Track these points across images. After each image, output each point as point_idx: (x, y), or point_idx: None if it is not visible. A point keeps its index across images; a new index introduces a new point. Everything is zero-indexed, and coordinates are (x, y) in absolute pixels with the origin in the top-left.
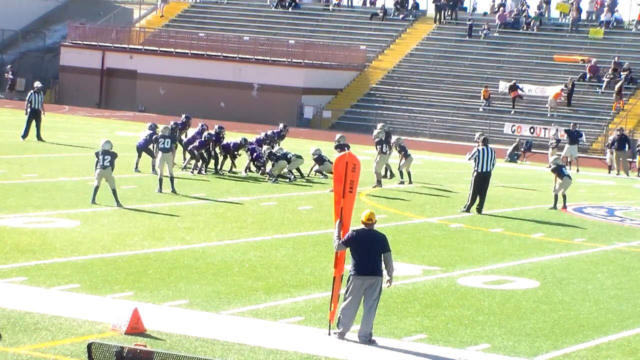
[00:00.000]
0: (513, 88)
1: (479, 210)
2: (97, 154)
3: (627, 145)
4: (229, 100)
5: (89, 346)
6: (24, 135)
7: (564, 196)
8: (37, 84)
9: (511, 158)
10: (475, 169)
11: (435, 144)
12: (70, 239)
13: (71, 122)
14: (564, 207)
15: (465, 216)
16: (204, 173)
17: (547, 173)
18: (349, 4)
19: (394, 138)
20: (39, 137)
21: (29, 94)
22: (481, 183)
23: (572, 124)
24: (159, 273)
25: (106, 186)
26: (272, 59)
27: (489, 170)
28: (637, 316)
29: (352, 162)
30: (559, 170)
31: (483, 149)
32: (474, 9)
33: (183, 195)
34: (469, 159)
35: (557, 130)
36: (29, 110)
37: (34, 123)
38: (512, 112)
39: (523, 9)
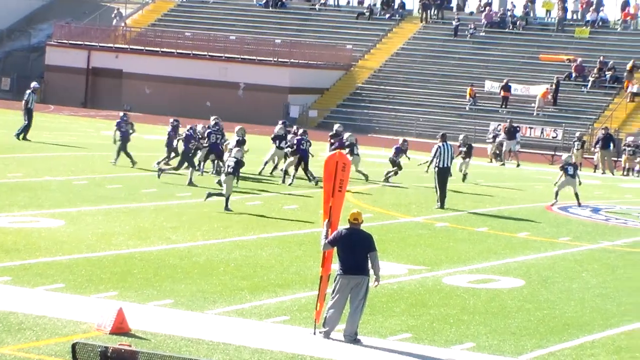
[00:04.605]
0: (505, 88)
1: (442, 205)
2: (221, 160)
3: (611, 144)
4: (215, 100)
5: (74, 346)
6: (21, 134)
7: (576, 194)
8: (34, 84)
9: (496, 157)
10: (437, 164)
11: (421, 143)
12: (55, 238)
13: (57, 121)
14: (579, 204)
15: (451, 215)
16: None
17: (533, 172)
18: (336, 4)
19: (346, 135)
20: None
21: (27, 93)
22: (444, 178)
23: (508, 120)
24: (144, 273)
25: (96, 187)
26: (258, 58)
27: (448, 165)
28: (622, 315)
29: (343, 161)
30: (564, 169)
31: (443, 144)
32: (461, 7)
33: (168, 194)
34: (433, 158)
35: (497, 125)
36: (25, 109)
37: (26, 121)
38: (504, 112)
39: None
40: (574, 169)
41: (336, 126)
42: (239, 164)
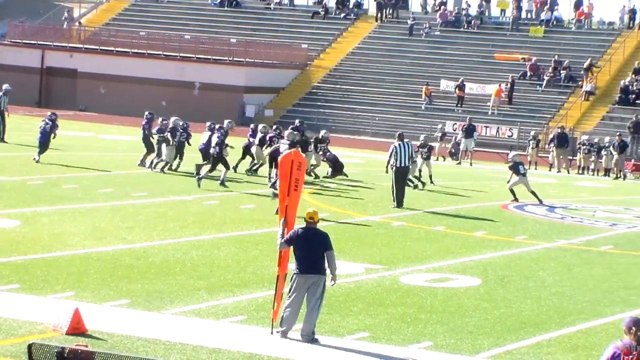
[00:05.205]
0: (461, 87)
1: (399, 204)
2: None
3: (566, 143)
4: (170, 99)
5: (30, 347)
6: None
7: (533, 192)
8: (6, 86)
9: (452, 156)
10: (394, 164)
11: (377, 142)
12: (10, 239)
13: (11, 121)
14: (540, 201)
15: (407, 214)
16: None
17: (488, 171)
18: (290, 3)
19: (286, 132)
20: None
21: None
22: (401, 178)
23: (467, 119)
24: (100, 273)
25: (52, 187)
26: (213, 57)
27: (407, 165)
28: (578, 313)
29: (298, 160)
30: (515, 168)
31: (400, 144)
32: (424, 8)
33: (124, 194)
34: (390, 157)
35: (454, 124)
36: None
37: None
38: (460, 111)
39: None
40: (524, 167)
41: (322, 132)
42: None
